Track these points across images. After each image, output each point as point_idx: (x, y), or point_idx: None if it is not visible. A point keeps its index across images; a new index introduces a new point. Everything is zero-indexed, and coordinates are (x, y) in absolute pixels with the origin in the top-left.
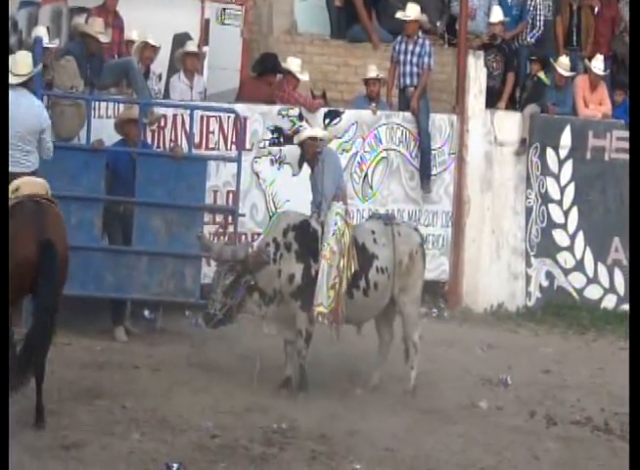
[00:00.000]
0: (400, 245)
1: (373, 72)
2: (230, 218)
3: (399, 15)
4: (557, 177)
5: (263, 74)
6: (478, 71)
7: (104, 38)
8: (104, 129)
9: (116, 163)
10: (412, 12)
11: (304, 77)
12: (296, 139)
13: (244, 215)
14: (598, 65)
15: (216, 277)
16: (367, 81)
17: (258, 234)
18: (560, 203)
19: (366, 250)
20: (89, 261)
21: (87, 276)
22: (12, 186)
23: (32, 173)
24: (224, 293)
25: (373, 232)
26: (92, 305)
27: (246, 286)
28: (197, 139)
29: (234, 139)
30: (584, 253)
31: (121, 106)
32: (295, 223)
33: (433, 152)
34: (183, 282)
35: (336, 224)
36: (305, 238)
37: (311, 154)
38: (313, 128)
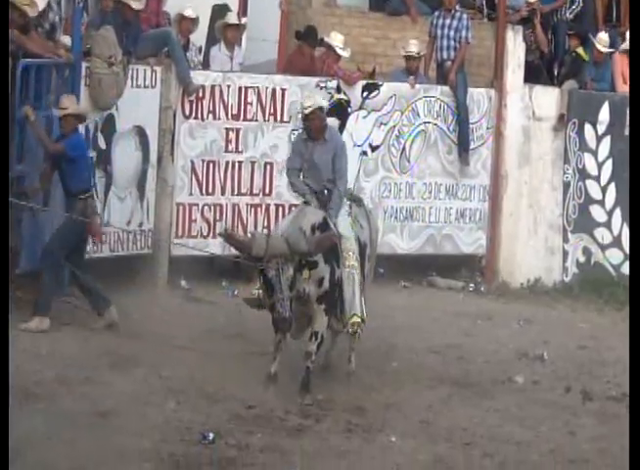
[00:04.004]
0: (373, 225)
1: (414, 47)
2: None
3: None
4: (595, 153)
5: (304, 43)
6: (516, 46)
7: (137, 5)
8: (141, 99)
9: None
10: None
11: (345, 54)
12: (300, 110)
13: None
14: None
15: (274, 275)
16: (408, 56)
17: (296, 206)
18: (597, 179)
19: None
20: None
21: None
22: None
23: None
24: (290, 287)
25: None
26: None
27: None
28: (235, 110)
29: (272, 110)
30: (621, 229)
31: (159, 73)
32: (319, 222)
33: (471, 126)
34: None
35: (353, 229)
36: None
37: (318, 128)
38: (315, 97)
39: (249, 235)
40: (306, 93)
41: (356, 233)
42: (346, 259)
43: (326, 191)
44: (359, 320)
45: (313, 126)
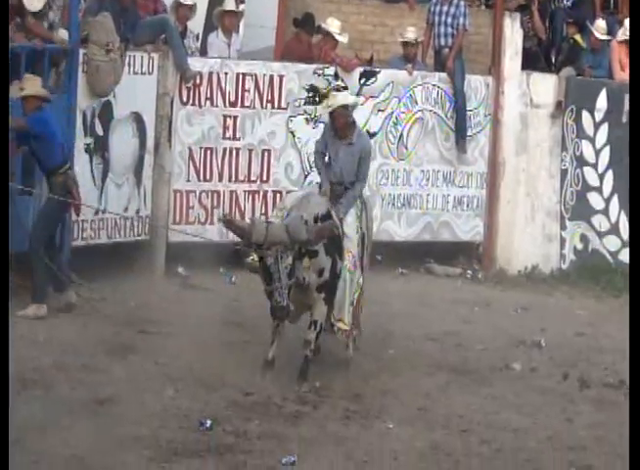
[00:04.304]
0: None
1: (412, 34)
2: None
3: None
4: (592, 140)
5: (301, 30)
6: (514, 33)
7: None
8: (138, 86)
9: None
10: None
11: (343, 39)
12: (324, 107)
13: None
14: None
15: (273, 263)
16: (405, 43)
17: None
18: (595, 166)
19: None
20: None
21: None
22: None
23: None
24: (289, 276)
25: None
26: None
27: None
28: (232, 97)
29: (269, 97)
30: (619, 216)
31: (156, 60)
32: (322, 213)
33: (468, 113)
34: None
35: (357, 232)
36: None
37: (342, 125)
38: (338, 95)
39: (248, 221)
40: (334, 93)
41: (359, 237)
42: (344, 260)
43: (344, 188)
44: (345, 327)
45: (338, 124)
